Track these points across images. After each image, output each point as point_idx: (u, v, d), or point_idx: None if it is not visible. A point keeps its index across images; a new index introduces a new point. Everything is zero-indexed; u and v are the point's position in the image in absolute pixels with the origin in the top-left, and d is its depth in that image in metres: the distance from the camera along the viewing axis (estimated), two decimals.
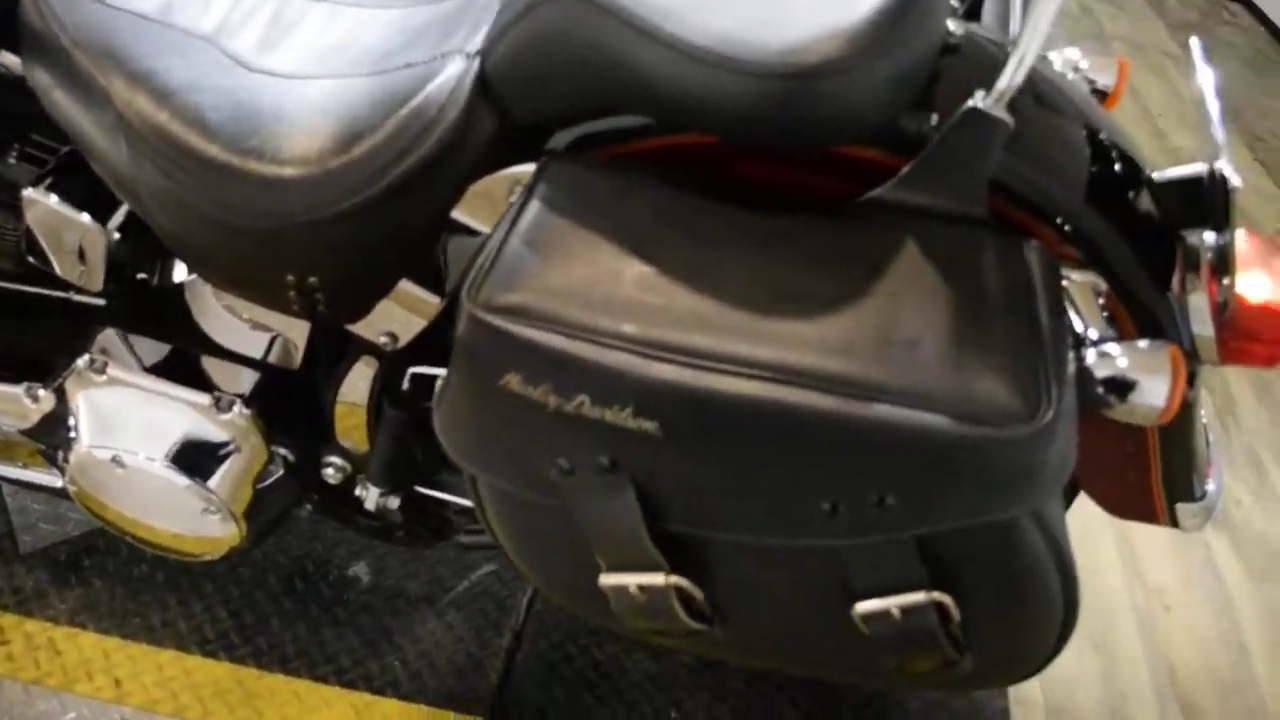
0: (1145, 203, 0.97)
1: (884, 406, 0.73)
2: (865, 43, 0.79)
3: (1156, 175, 0.96)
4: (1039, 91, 0.96)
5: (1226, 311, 0.94)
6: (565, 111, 0.92)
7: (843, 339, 0.76)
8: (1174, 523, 1.11)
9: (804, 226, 0.84)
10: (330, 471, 1.22)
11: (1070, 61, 1.12)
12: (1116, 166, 0.97)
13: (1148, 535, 1.67)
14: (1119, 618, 1.55)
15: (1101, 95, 1.11)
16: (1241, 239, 1.02)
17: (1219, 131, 0.90)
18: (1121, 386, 0.84)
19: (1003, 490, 0.75)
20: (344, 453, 1.22)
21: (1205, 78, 0.95)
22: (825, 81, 0.79)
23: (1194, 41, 0.98)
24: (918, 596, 0.81)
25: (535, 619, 1.42)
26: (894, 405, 0.73)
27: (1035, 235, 0.90)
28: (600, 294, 0.78)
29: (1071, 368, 0.79)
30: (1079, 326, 0.89)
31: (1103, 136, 0.98)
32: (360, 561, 1.47)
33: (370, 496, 1.17)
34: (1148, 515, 1.10)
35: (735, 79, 0.80)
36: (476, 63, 0.93)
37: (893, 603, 0.81)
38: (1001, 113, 0.81)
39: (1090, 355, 0.85)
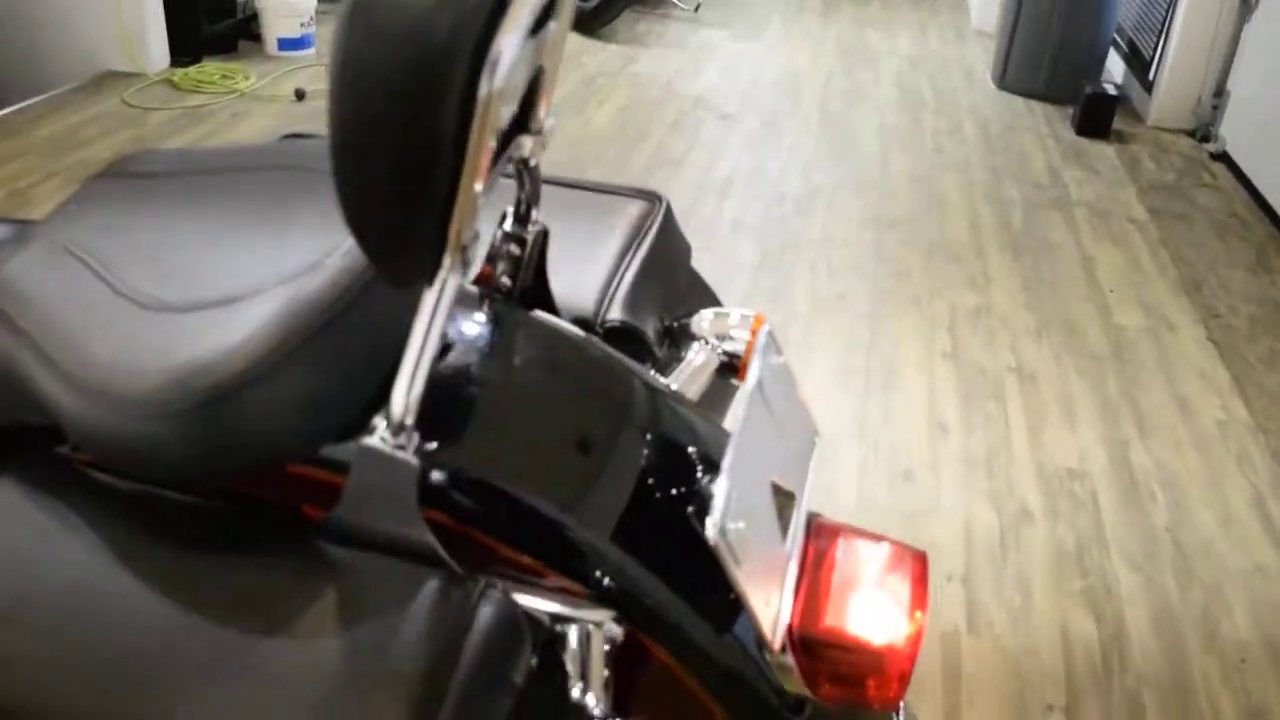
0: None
1: None
2: (239, 375, 0.69)
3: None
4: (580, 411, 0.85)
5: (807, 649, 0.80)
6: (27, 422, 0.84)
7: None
8: None
9: (238, 566, 0.73)
10: None
11: (720, 328, 1.01)
12: (676, 491, 0.84)
13: None
14: None
15: (735, 360, 0.99)
16: (856, 564, 0.87)
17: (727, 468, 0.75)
18: None
19: None
20: None
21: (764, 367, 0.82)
22: (198, 416, 0.69)
23: (763, 330, 0.85)
24: None
25: None
26: None
27: (534, 575, 0.77)
28: None
29: None
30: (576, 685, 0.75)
31: (676, 454, 0.86)
32: None
33: None
34: None
35: (105, 412, 0.70)
36: None
37: None
38: (404, 451, 0.69)
39: None
